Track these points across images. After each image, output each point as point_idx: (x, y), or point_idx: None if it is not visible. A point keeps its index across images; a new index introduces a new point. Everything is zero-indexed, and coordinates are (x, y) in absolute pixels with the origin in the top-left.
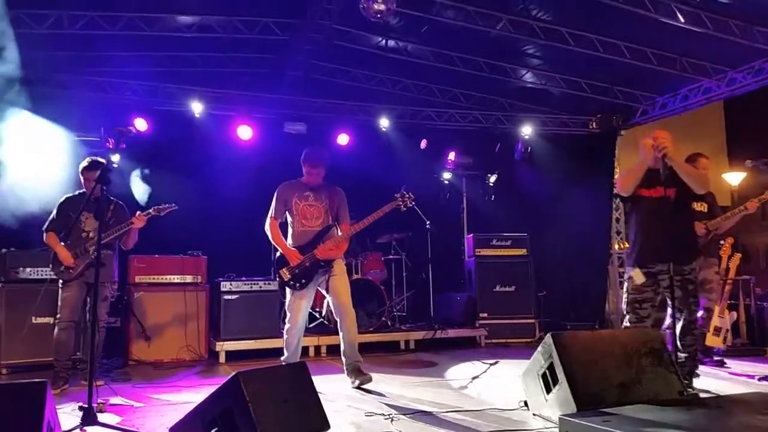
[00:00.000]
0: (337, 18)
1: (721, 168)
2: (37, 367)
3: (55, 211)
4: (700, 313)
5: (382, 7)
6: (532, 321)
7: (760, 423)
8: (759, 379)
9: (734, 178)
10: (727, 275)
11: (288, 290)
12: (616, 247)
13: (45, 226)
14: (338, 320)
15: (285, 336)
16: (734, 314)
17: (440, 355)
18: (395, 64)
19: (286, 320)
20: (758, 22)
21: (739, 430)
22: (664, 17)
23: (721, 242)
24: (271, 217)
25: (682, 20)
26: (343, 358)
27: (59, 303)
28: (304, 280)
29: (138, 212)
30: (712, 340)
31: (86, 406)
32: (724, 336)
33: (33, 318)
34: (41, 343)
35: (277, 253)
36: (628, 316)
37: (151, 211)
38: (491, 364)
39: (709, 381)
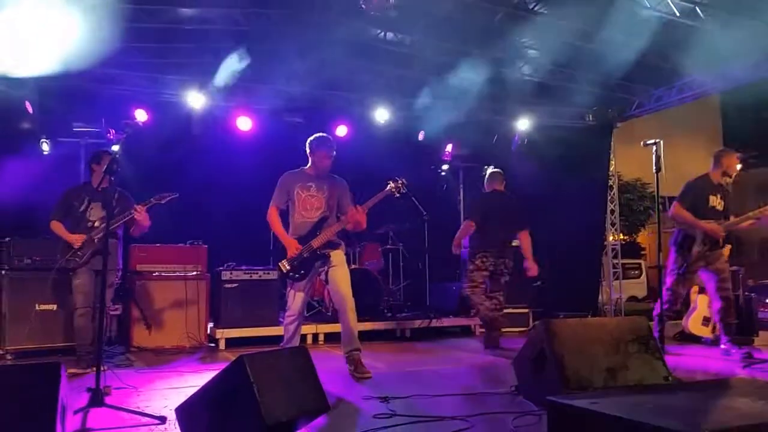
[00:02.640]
0: (336, 10)
1: None
2: (40, 353)
3: (59, 201)
4: (719, 305)
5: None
6: (526, 310)
7: (740, 405)
8: (743, 367)
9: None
10: None
11: (287, 281)
12: (611, 238)
13: (50, 216)
14: (338, 309)
15: (284, 324)
16: None
17: (435, 343)
18: (394, 55)
19: (286, 309)
20: None
21: (720, 413)
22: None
23: None
24: (272, 206)
25: (678, 14)
26: (342, 346)
27: (73, 291)
28: (303, 271)
29: (139, 204)
30: (700, 330)
31: (94, 388)
32: (712, 326)
33: (37, 305)
34: (44, 329)
35: (278, 245)
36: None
37: (152, 200)
38: (485, 352)
39: (695, 368)
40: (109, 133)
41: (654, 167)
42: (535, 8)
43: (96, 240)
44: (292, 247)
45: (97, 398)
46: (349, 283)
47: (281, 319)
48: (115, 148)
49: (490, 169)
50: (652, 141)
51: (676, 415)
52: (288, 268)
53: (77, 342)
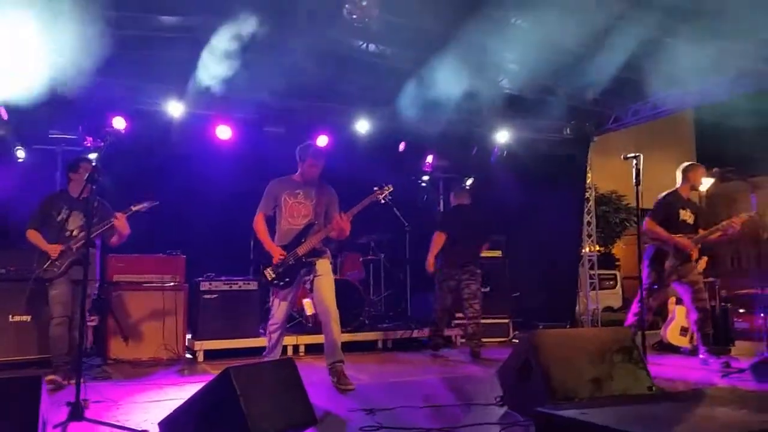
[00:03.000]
0: (319, 21)
1: None
2: (14, 365)
3: (36, 209)
4: (696, 316)
5: (366, 12)
6: (507, 321)
7: (721, 415)
8: (722, 376)
9: (703, 183)
10: None
11: (271, 289)
12: (587, 249)
13: (27, 224)
14: (322, 320)
15: (268, 333)
16: None
17: (417, 354)
18: (375, 66)
19: (270, 317)
20: None
21: (701, 421)
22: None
23: None
24: (258, 212)
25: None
26: (325, 358)
27: (50, 302)
28: (287, 279)
29: (119, 212)
30: (678, 340)
31: (73, 402)
32: (690, 336)
33: (11, 316)
34: (19, 341)
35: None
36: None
37: (131, 207)
38: (467, 362)
39: (675, 377)
40: (86, 140)
41: (634, 181)
42: (516, 22)
43: (75, 249)
44: (276, 255)
45: (76, 412)
46: (334, 293)
47: (261, 331)
48: (92, 156)
49: (469, 181)
50: (633, 155)
51: (662, 425)
52: (273, 275)
53: (53, 352)
